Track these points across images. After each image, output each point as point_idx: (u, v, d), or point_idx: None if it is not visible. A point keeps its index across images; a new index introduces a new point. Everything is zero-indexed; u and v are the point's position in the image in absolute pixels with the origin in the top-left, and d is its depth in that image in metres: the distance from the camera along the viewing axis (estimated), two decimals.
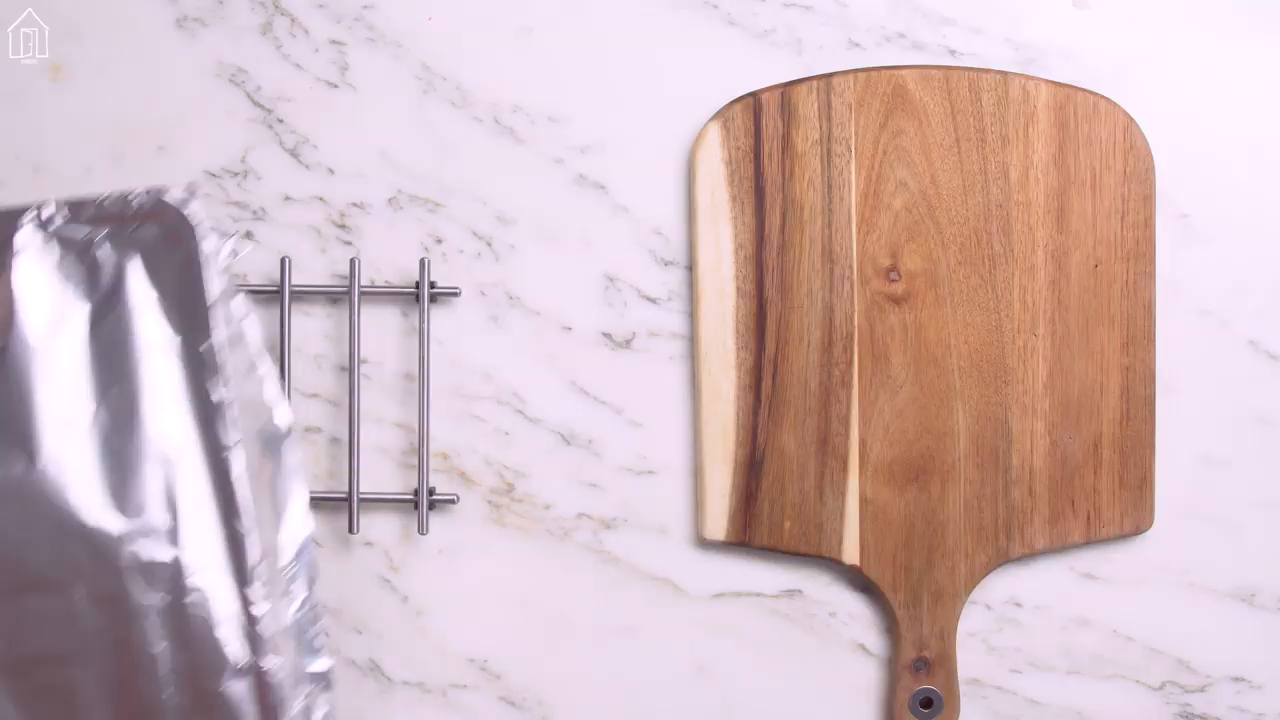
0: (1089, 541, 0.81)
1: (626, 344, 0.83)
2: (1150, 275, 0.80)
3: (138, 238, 0.73)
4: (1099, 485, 0.81)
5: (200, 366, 0.72)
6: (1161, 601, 0.83)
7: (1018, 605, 0.83)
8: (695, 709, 0.83)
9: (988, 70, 0.80)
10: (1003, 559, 0.81)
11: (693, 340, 0.81)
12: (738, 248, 0.80)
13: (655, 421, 0.82)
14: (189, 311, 0.72)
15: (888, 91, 0.79)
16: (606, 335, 0.83)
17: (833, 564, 0.82)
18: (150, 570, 0.71)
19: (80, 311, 0.73)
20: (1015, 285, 0.80)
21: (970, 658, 0.83)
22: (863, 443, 0.80)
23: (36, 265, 0.73)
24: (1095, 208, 0.80)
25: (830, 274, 0.80)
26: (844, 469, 0.80)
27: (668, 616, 0.83)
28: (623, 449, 0.83)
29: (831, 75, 0.80)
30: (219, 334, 0.72)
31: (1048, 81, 0.80)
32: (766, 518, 0.81)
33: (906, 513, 0.81)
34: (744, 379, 0.80)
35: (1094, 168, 0.80)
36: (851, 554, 0.81)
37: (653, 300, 0.82)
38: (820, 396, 0.80)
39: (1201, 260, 0.82)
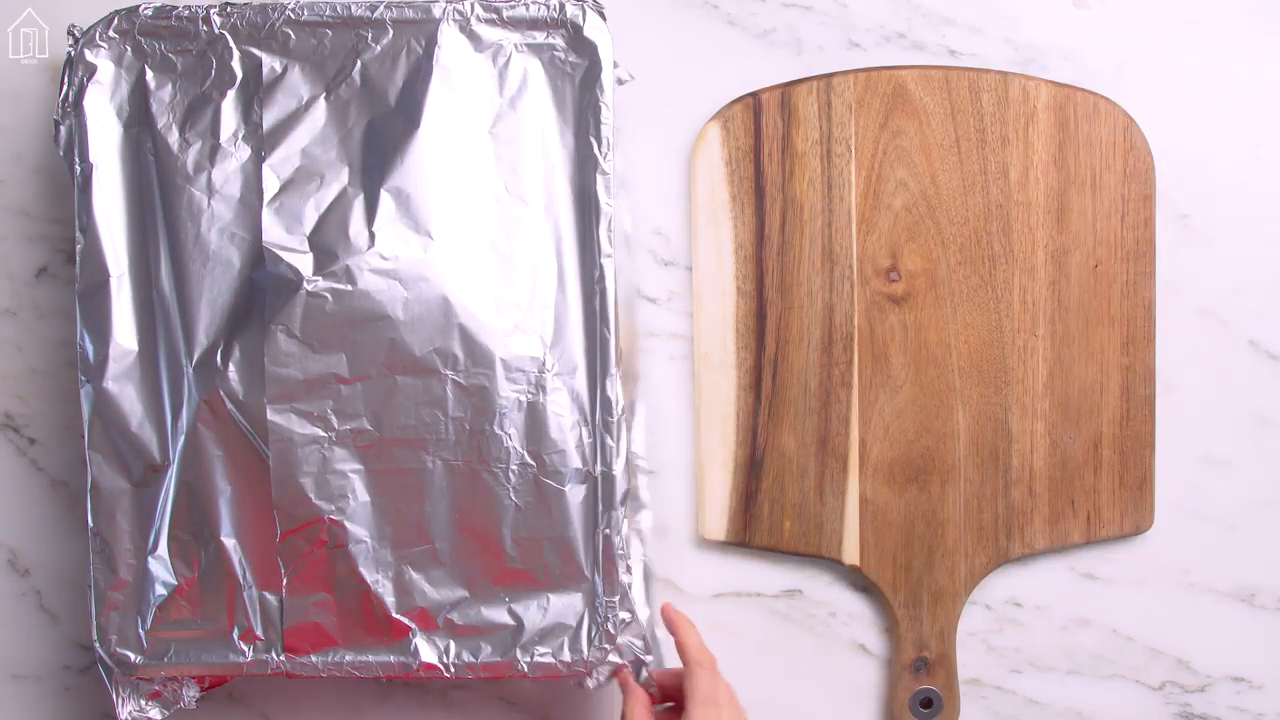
0: (1089, 541, 0.81)
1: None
2: (1150, 275, 0.80)
3: (544, 47, 0.75)
4: (1099, 485, 0.81)
5: (588, 180, 0.75)
6: (1161, 601, 0.83)
7: (1018, 605, 0.83)
8: None
9: (988, 70, 0.80)
10: (1003, 559, 0.81)
11: (693, 340, 0.81)
12: (737, 248, 0.80)
13: (655, 421, 0.82)
14: (583, 126, 0.75)
15: (888, 91, 0.79)
16: None
17: (833, 564, 0.82)
18: (518, 366, 0.73)
19: (484, 108, 0.75)
20: (1015, 285, 0.80)
21: (970, 658, 0.83)
22: (863, 443, 0.80)
23: (452, 59, 0.75)
24: (1095, 208, 0.80)
25: (830, 274, 0.80)
26: (844, 469, 0.80)
27: None
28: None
29: (831, 75, 0.80)
30: (608, 153, 0.74)
31: (1048, 81, 0.80)
32: (766, 518, 0.81)
33: (906, 513, 0.80)
34: (744, 379, 0.80)
35: (1094, 168, 0.80)
36: (851, 554, 0.81)
37: (653, 300, 0.82)
38: (820, 396, 0.80)
39: (1201, 260, 0.82)
